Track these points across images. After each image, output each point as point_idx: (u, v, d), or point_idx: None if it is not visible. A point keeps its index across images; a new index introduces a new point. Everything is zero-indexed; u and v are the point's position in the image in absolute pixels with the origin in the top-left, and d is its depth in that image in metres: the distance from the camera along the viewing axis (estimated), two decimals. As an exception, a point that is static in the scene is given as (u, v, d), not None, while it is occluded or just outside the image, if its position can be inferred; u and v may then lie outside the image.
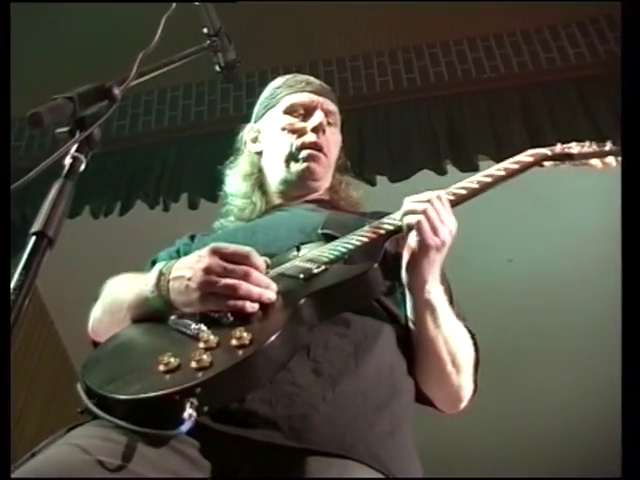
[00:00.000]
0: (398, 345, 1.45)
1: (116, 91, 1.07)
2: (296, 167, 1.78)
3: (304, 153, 1.78)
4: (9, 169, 1.17)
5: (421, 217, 1.35)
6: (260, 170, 1.90)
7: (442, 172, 3.57)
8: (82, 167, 1.02)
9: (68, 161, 1.01)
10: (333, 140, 1.87)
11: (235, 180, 1.92)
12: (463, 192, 1.50)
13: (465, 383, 1.49)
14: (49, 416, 4.52)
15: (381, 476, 1.18)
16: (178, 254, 1.64)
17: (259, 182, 1.89)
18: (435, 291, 1.40)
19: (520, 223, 4.30)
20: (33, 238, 0.93)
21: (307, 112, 1.83)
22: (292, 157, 1.79)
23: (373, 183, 3.57)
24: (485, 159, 3.52)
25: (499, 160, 3.26)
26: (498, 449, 5.58)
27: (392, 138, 3.73)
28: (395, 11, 4.03)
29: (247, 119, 2.04)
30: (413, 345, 1.46)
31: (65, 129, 1.04)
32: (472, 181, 1.51)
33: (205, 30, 1.55)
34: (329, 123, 1.85)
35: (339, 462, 1.16)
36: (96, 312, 1.50)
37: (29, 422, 4.31)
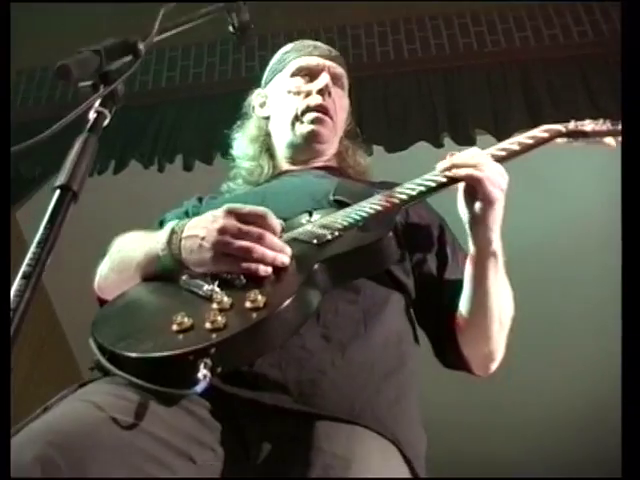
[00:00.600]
0: (405, 313, 1.47)
1: (141, 46, 1.06)
2: (301, 129, 1.77)
3: (309, 115, 1.76)
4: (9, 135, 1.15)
5: (482, 173, 1.36)
6: (267, 134, 1.89)
7: (439, 145, 3.54)
8: (106, 122, 1.01)
9: (92, 115, 0.99)
10: (340, 103, 1.85)
11: (242, 143, 1.90)
12: None
13: (503, 342, 1.51)
14: (35, 370, 4.50)
15: (386, 441, 1.20)
16: (187, 215, 1.63)
17: (266, 145, 1.87)
18: (498, 242, 1.43)
19: (520, 199, 4.29)
20: (57, 192, 0.91)
21: (313, 75, 1.82)
22: (297, 119, 1.78)
23: (370, 152, 3.54)
24: (483, 133, 3.51)
25: (497, 135, 3.33)
26: (498, 449, 5.62)
27: (390, 108, 3.70)
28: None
29: (246, 82, 2.03)
30: (458, 306, 1.48)
31: (88, 83, 1.02)
32: (487, 154, 1.48)
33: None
34: (336, 86, 1.83)
35: (347, 427, 1.17)
36: (103, 269, 1.49)
37: (16, 378, 4.30)
